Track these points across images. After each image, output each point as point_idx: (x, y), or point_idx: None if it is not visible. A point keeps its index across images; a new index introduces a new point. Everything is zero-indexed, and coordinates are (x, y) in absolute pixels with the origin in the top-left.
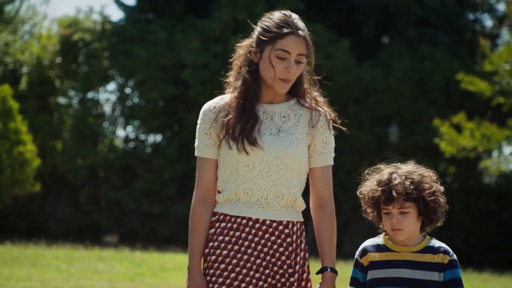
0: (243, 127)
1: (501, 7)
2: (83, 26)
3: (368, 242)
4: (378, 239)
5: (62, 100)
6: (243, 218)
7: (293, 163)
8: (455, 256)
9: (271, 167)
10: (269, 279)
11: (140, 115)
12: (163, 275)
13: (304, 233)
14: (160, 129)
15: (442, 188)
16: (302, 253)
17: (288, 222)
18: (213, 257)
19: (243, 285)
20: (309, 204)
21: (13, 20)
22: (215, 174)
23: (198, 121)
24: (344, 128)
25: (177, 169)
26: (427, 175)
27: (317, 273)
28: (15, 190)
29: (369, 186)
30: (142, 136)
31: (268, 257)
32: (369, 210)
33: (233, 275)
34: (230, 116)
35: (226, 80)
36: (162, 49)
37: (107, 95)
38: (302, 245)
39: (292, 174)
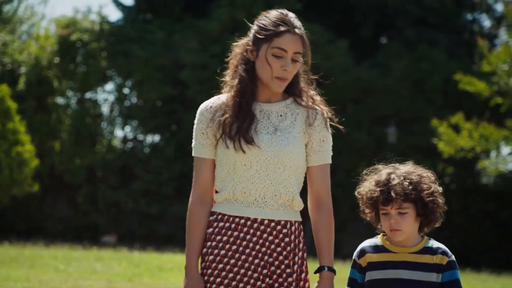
0: (239, 126)
1: (499, 7)
2: (81, 26)
3: (366, 243)
4: (376, 240)
5: (60, 100)
6: (241, 218)
7: (290, 162)
8: (453, 257)
9: (268, 166)
10: (267, 279)
11: (138, 115)
12: (161, 275)
13: (302, 233)
14: (158, 129)
15: (440, 189)
16: (300, 253)
17: (286, 222)
18: (211, 257)
19: (241, 285)
20: (307, 203)
21: (11, 20)
22: (212, 174)
23: (195, 121)
24: (341, 127)
25: (175, 169)
26: (426, 175)
27: (315, 273)
28: (13, 190)
29: (367, 186)
30: (140, 136)
31: (266, 257)
32: (367, 211)
33: (231, 275)
34: (227, 115)
35: (223, 79)
36: (160, 49)
37: (105, 95)
38: (301, 245)
39: (289, 173)
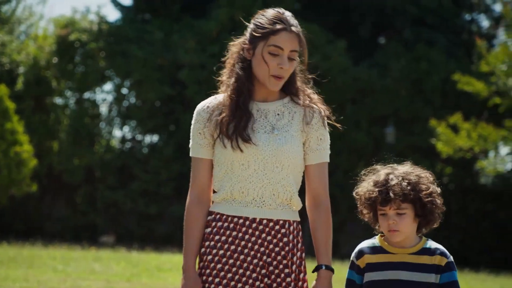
0: (236, 125)
1: (498, 7)
2: (80, 26)
3: (364, 244)
4: (374, 241)
5: (58, 100)
6: (239, 217)
7: (288, 161)
8: (451, 258)
9: (266, 165)
10: (265, 279)
11: (136, 115)
12: (160, 276)
13: (300, 233)
14: (157, 130)
15: (438, 189)
16: (298, 253)
17: (284, 221)
18: (210, 257)
19: (239, 285)
20: (305, 203)
21: (10, 20)
22: (210, 174)
23: (192, 121)
24: (338, 125)
25: (173, 169)
26: (424, 176)
27: (313, 271)
28: (12, 190)
29: (365, 187)
30: (139, 137)
31: (264, 257)
32: (365, 211)
33: (229, 275)
34: (224, 114)
35: (219, 79)
36: (158, 49)
37: (103, 95)
38: (299, 245)
39: (287, 172)
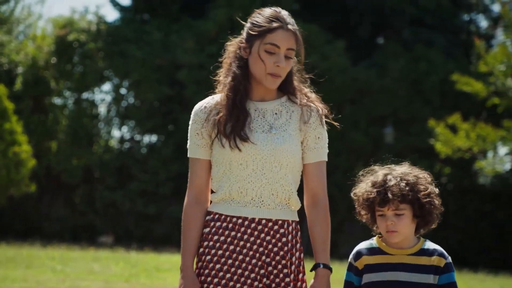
0: (234, 124)
1: (496, 7)
2: (78, 27)
3: (362, 245)
4: (372, 242)
5: (57, 100)
6: (238, 217)
7: (286, 160)
8: (450, 259)
9: (265, 165)
10: (264, 279)
11: (135, 115)
12: (159, 276)
13: (299, 233)
14: (156, 130)
15: (437, 190)
16: (297, 253)
17: (283, 221)
18: (208, 257)
19: (238, 285)
20: (303, 201)
21: (8, 20)
22: (208, 174)
23: (190, 122)
24: (336, 124)
25: (172, 170)
26: (422, 176)
27: (311, 270)
28: (10, 191)
29: (363, 187)
30: (138, 137)
31: (263, 257)
32: (363, 212)
33: (228, 275)
34: (221, 114)
35: (216, 78)
36: (157, 49)
37: (102, 96)
38: (298, 245)
39: (286, 172)
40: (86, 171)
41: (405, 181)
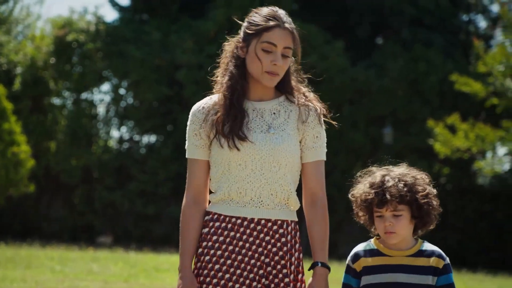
0: (232, 123)
1: (495, 8)
2: (77, 27)
3: (360, 247)
4: (370, 244)
5: (56, 100)
6: (237, 218)
7: (285, 160)
8: (448, 260)
9: (264, 165)
10: (263, 280)
11: (134, 115)
12: (158, 276)
13: (298, 233)
14: (155, 130)
15: (435, 191)
16: (296, 254)
17: (282, 221)
18: (207, 257)
19: (237, 285)
20: (302, 201)
21: (7, 20)
22: (206, 175)
23: (188, 123)
24: (334, 123)
25: (171, 170)
26: (420, 177)
27: (309, 269)
28: (9, 191)
29: (361, 188)
30: (136, 137)
31: (262, 257)
32: (361, 214)
33: (227, 275)
34: (219, 114)
35: (213, 78)
36: (156, 49)
37: (101, 96)
38: (297, 246)
39: (285, 172)
40: (85, 171)
41: (403, 182)
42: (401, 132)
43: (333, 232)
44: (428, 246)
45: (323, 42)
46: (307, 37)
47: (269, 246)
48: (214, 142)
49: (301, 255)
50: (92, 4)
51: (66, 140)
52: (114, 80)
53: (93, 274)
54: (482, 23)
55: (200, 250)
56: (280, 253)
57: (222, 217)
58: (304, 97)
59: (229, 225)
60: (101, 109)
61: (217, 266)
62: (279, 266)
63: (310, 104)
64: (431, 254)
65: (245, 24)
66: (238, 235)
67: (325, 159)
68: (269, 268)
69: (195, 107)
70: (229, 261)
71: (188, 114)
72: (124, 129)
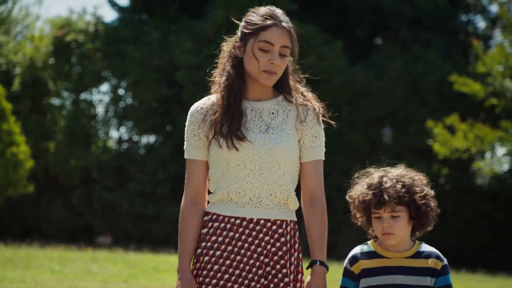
0: (230, 123)
1: (494, 8)
2: (76, 27)
3: (357, 249)
4: (367, 246)
5: (55, 101)
6: (236, 218)
7: (284, 160)
8: (446, 261)
9: (263, 165)
10: (262, 280)
11: (133, 116)
12: (157, 276)
13: (297, 233)
14: (154, 130)
15: (432, 192)
16: (296, 254)
17: (281, 221)
18: (206, 258)
19: (236, 286)
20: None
21: (6, 21)
22: (205, 176)
23: (186, 123)
24: (333, 122)
25: (170, 170)
26: (418, 178)
27: (307, 268)
28: (8, 191)
29: (359, 189)
30: (136, 137)
31: (261, 257)
32: (358, 215)
33: (226, 276)
34: (217, 114)
35: (211, 79)
36: (155, 50)
37: (100, 96)
38: (296, 245)
39: (284, 172)
40: (84, 171)
41: (401, 183)
42: (400, 133)
43: (332, 233)
44: (425, 248)
45: (322, 42)
46: (306, 37)
47: (269, 246)
48: (213, 143)
49: (300, 255)
50: (91, 4)
51: (65, 141)
52: (113, 81)
53: (92, 274)
54: (481, 24)
55: (199, 250)
56: (280, 253)
57: (221, 217)
58: (302, 97)
59: (228, 226)
60: (100, 110)
61: (216, 267)
62: (278, 266)
63: (308, 103)
64: (429, 255)
65: (242, 23)
66: (237, 235)
67: (323, 158)
68: (268, 268)
69: (193, 108)
70: (228, 262)
71: (187, 115)
72: (123, 129)
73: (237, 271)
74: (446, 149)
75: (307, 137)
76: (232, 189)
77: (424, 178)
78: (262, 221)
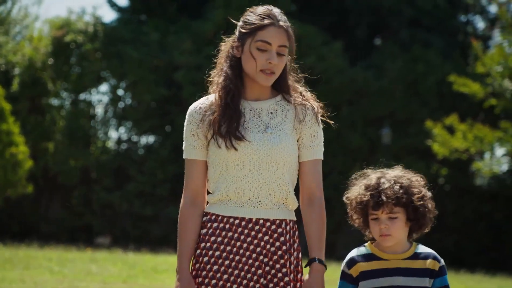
0: (228, 123)
1: (493, 9)
2: (75, 28)
3: (354, 252)
4: (364, 248)
5: (54, 101)
6: (235, 218)
7: (283, 160)
8: (443, 262)
9: (261, 164)
10: (261, 279)
11: (132, 116)
12: (156, 277)
13: (297, 233)
14: (153, 131)
15: (430, 194)
16: (295, 253)
17: (281, 221)
18: (206, 258)
19: (235, 286)
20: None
21: (5, 21)
22: (204, 176)
23: (185, 123)
24: (331, 122)
25: (169, 171)
26: (415, 180)
27: (306, 266)
28: (7, 192)
29: (356, 191)
30: (135, 138)
31: (261, 257)
32: (355, 216)
33: (225, 276)
34: (215, 114)
35: (209, 79)
36: (154, 50)
37: (99, 97)
38: (295, 245)
39: (283, 171)
40: (83, 172)
41: (399, 184)
42: (399, 133)
43: (331, 234)
44: (423, 249)
45: (322, 42)
46: (305, 37)
47: (268, 246)
48: (211, 143)
49: (300, 255)
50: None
51: (64, 141)
52: (112, 81)
53: (91, 274)
54: (480, 24)
55: (198, 251)
56: (279, 252)
57: (220, 217)
58: (301, 96)
59: (227, 226)
60: (99, 110)
61: (215, 267)
62: (278, 266)
63: (307, 103)
64: (427, 256)
65: (240, 23)
66: (236, 235)
67: (322, 158)
68: (267, 268)
69: (192, 108)
70: (227, 262)
71: (186, 115)
72: (122, 129)
73: (236, 271)
74: (446, 149)
75: (306, 137)
76: (231, 189)
77: (421, 179)
78: (261, 221)
